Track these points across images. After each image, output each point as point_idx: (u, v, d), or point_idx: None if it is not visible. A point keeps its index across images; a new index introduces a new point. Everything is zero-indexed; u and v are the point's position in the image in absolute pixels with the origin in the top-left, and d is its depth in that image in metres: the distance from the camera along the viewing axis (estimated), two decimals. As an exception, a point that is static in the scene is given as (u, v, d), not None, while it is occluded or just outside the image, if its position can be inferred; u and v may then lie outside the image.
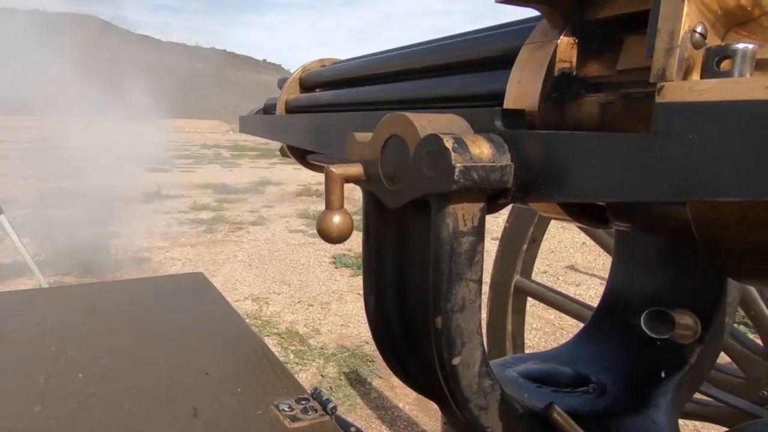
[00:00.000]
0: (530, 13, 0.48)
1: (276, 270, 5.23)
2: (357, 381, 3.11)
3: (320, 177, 0.56)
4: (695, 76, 0.32)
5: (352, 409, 2.80)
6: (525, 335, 2.11)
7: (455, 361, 0.47)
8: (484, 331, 2.06)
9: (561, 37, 0.44)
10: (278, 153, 1.22)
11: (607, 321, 0.75)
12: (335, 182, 0.49)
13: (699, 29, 0.31)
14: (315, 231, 0.52)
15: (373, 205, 0.55)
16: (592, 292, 4.52)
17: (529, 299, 2.04)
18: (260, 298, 4.43)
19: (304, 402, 0.67)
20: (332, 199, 0.49)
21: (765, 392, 1.37)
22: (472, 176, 0.41)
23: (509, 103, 0.47)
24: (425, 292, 0.47)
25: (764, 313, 1.41)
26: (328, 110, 0.91)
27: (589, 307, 1.79)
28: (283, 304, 4.30)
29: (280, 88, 1.10)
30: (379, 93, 0.74)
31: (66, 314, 0.96)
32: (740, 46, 0.30)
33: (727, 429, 0.74)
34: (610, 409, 0.64)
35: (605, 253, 1.73)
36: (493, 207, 0.46)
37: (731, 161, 0.28)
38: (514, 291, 1.97)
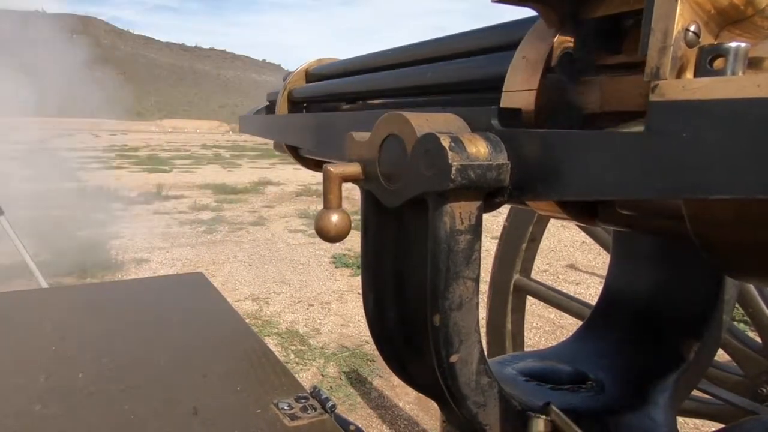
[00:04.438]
0: (527, 12, 0.49)
1: (276, 270, 5.23)
2: (357, 380, 3.11)
3: (320, 177, 0.56)
4: (689, 74, 0.32)
5: (353, 408, 2.81)
6: (525, 334, 2.11)
7: (453, 358, 0.47)
8: (483, 329, 2.07)
9: (557, 36, 0.44)
10: (278, 153, 1.22)
11: (605, 319, 0.76)
12: (333, 182, 0.50)
13: (692, 28, 0.32)
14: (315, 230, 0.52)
15: (371, 204, 0.55)
16: (592, 291, 4.53)
17: (529, 298, 2.04)
18: (260, 298, 4.44)
19: (303, 401, 0.67)
20: (330, 198, 0.50)
21: (763, 389, 1.37)
22: (469, 175, 0.41)
23: (506, 101, 0.47)
24: (423, 291, 0.48)
25: (763, 310, 1.41)
26: (331, 100, 0.91)
27: (588, 306, 1.79)
28: (283, 304, 4.30)
29: (272, 102, 1.11)
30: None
31: (66, 314, 0.97)
32: (733, 44, 0.30)
33: (725, 426, 0.74)
34: (608, 407, 0.64)
35: (605, 252, 1.73)
36: (490, 205, 0.46)
37: (725, 159, 0.28)
38: (513, 290, 1.97)
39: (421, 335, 0.53)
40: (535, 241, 1.96)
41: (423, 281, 0.47)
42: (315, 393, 0.69)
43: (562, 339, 0.84)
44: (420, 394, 0.60)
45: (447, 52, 0.64)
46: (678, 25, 0.31)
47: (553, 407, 0.56)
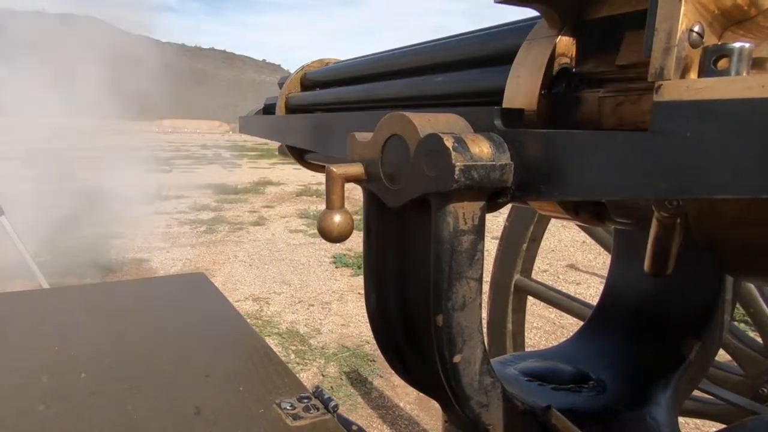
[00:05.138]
0: (529, 12, 0.49)
1: (276, 270, 5.23)
2: (358, 380, 3.11)
3: (320, 177, 0.56)
4: (693, 75, 0.32)
5: (353, 408, 2.81)
6: (525, 334, 2.11)
7: (456, 359, 0.47)
8: (484, 329, 2.07)
9: (559, 36, 0.44)
10: (278, 153, 1.22)
11: (606, 319, 0.76)
12: (336, 182, 0.50)
13: (696, 28, 0.32)
14: (315, 231, 0.52)
15: (373, 204, 0.55)
16: (592, 291, 4.53)
17: (530, 298, 2.04)
18: (261, 298, 4.44)
19: (305, 401, 0.67)
20: (333, 199, 0.50)
21: (764, 389, 1.37)
22: (472, 175, 0.41)
23: (509, 102, 0.47)
24: (426, 291, 0.48)
25: (763, 310, 1.41)
26: (328, 108, 0.91)
27: (589, 306, 1.79)
28: (283, 304, 4.30)
29: (281, 86, 1.11)
30: (379, 90, 0.75)
31: (67, 314, 0.97)
32: (737, 45, 0.30)
33: (726, 426, 0.74)
34: (610, 407, 0.64)
35: (605, 252, 1.73)
36: (493, 206, 0.46)
37: (729, 159, 0.28)
38: (514, 290, 1.97)
39: (423, 335, 0.53)
40: (535, 241, 1.96)
41: (426, 281, 0.48)
42: (317, 393, 0.69)
43: (563, 339, 0.84)
44: (421, 394, 0.60)
45: (447, 53, 0.64)
46: (682, 26, 0.31)
47: (555, 411, 0.56)
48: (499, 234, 2.01)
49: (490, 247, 2.55)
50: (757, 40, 0.33)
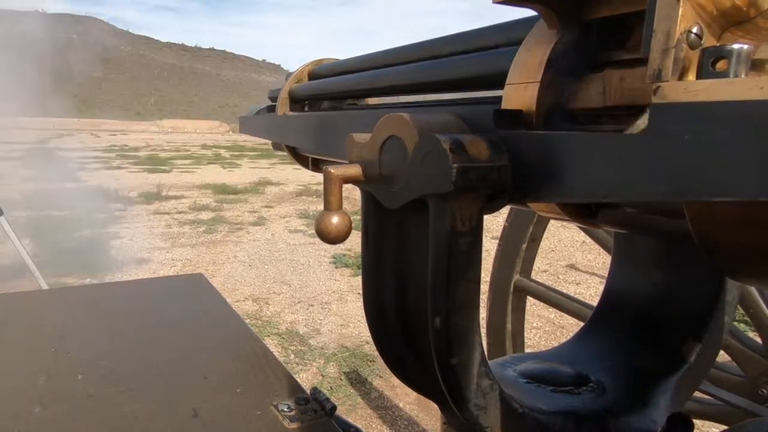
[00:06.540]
0: (528, 13, 0.48)
1: (276, 270, 5.23)
2: (357, 381, 3.11)
3: (320, 177, 0.56)
4: (691, 76, 0.32)
5: (353, 408, 2.80)
6: (525, 334, 2.11)
7: (454, 360, 0.47)
8: (483, 330, 2.08)
9: (558, 37, 0.44)
10: (277, 153, 1.22)
11: (606, 320, 0.75)
12: (334, 183, 0.49)
13: (695, 30, 0.31)
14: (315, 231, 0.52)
15: (371, 205, 0.55)
16: (592, 291, 4.53)
17: (529, 298, 2.04)
18: (260, 298, 4.43)
19: (303, 402, 0.67)
20: (331, 200, 0.49)
21: (764, 390, 1.37)
22: (469, 177, 0.41)
23: (507, 103, 0.47)
24: (424, 293, 0.47)
25: (763, 311, 1.41)
26: (334, 97, 0.91)
27: (588, 306, 1.79)
28: (283, 305, 4.30)
29: (287, 78, 1.10)
30: (383, 80, 0.74)
31: (66, 315, 0.96)
32: (736, 46, 0.30)
33: (726, 427, 0.74)
34: (609, 409, 0.64)
35: (605, 252, 1.73)
36: (491, 207, 0.46)
37: (727, 161, 0.28)
38: (513, 290, 1.97)
39: (421, 337, 0.53)
40: (535, 241, 1.96)
41: (424, 283, 0.47)
42: (315, 395, 0.68)
43: (563, 339, 0.84)
44: (420, 395, 0.60)
45: (446, 52, 0.64)
46: (680, 27, 0.31)
47: None
48: (499, 234, 2.01)
49: (490, 247, 2.54)
50: (756, 42, 0.32)
